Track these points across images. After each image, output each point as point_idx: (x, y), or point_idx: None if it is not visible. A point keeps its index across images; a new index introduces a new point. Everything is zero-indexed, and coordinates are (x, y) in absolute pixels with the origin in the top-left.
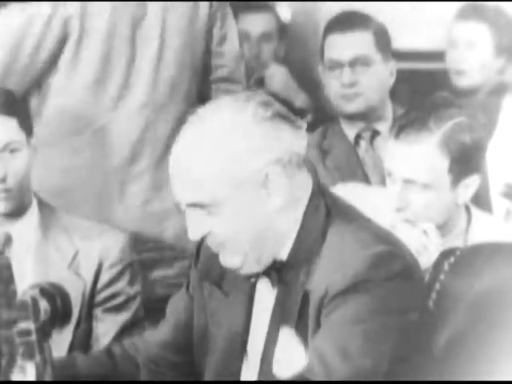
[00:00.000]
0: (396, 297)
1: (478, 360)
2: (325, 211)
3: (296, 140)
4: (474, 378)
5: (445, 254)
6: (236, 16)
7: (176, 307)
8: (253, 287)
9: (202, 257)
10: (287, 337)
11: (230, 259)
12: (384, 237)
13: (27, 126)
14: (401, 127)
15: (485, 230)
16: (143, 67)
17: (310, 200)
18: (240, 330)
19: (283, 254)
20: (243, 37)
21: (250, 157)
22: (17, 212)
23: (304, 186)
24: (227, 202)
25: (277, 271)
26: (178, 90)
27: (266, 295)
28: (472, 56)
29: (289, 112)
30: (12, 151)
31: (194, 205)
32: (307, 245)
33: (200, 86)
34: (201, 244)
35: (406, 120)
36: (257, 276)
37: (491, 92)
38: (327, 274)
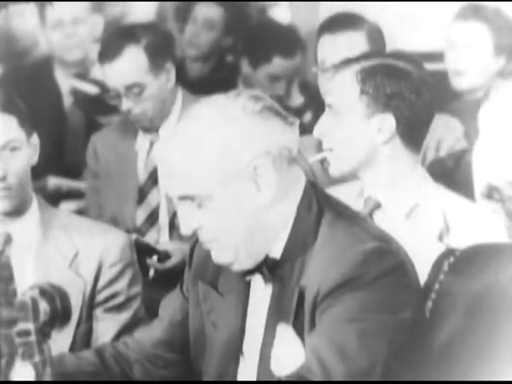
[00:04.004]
0: (389, 294)
1: (477, 359)
2: (317, 208)
3: (287, 135)
4: (473, 377)
5: (444, 255)
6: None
7: (170, 306)
8: (247, 286)
9: (195, 257)
10: (284, 334)
11: (221, 255)
12: (376, 233)
13: (27, 125)
14: (344, 60)
15: (437, 196)
16: None
17: (303, 197)
18: (236, 329)
19: (276, 252)
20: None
21: (238, 149)
22: (17, 211)
23: (295, 182)
24: (217, 195)
25: (269, 269)
26: None
27: (260, 294)
28: (471, 56)
29: (280, 107)
30: (12, 149)
31: (184, 197)
32: (300, 241)
33: None
34: (194, 245)
35: (352, 57)
36: (250, 273)
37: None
38: (320, 271)
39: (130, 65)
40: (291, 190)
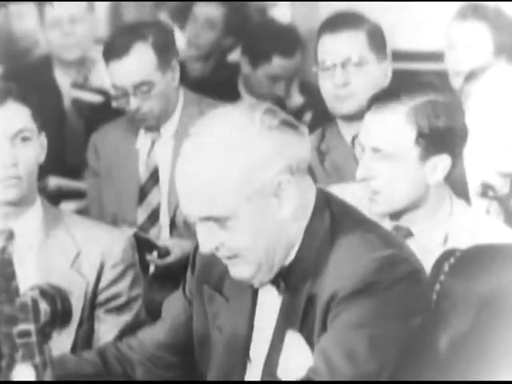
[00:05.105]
0: (402, 300)
1: (478, 360)
2: (330, 216)
3: (302, 146)
4: (474, 378)
5: (445, 255)
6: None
7: (173, 308)
8: (255, 292)
9: (198, 261)
10: (293, 340)
11: (241, 270)
12: (390, 240)
13: (39, 121)
14: (374, 98)
15: (467, 220)
16: None
17: (315, 206)
18: (243, 335)
19: (288, 260)
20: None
21: (261, 166)
22: (22, 203)
23: (308, 191)
24: (241, 214)
25: (283, 278)
26: None
27: (269, 300)
28: (471, 56)
29: (293, 119)
30: (24, 139)
31: (207, 219)
32: (312, 250)
33: None
34: (197, 248)
35: (380, 92)
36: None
37: None
38: (335, 277)
39: (139, 62)
40: (307, 200)
